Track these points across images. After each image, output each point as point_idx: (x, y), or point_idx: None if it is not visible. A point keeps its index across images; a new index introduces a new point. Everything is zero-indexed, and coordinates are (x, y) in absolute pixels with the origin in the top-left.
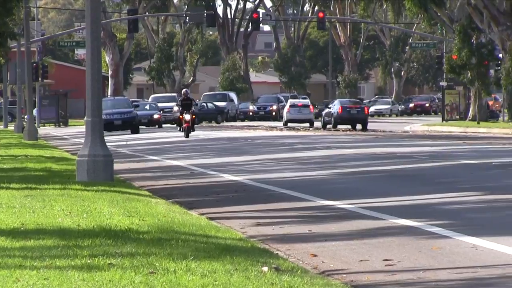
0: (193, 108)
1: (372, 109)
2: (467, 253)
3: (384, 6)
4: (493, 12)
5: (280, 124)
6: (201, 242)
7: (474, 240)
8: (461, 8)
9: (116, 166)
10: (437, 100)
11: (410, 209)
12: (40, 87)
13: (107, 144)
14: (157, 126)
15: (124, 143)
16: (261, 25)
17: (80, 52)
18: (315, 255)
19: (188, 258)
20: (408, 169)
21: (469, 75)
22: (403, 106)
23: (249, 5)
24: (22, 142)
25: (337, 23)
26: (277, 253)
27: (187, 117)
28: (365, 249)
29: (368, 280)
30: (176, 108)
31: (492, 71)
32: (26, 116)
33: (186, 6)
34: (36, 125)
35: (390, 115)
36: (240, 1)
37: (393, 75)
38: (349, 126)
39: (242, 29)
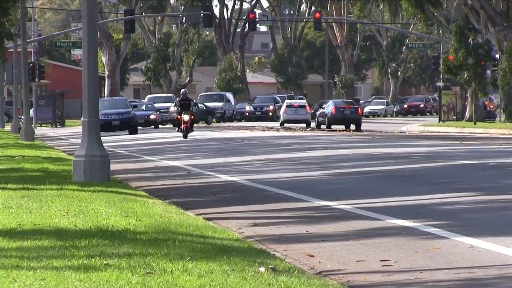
0: (191, 108)
1: (366, 109)
2: (464, 253)
3: (381, 6)
4: (489, 12)
5: (276, 124)
6: (198, 242)
7: (471, 241)
8: (458, 8)
9: (113, 167)
10: (431, 101)
11: (407, 210)
12: (37, 87)
13: (104, 144)
14: (153, 126)
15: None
16: (257, 25)
17: (77, 53)
18: (312, 256)
19: (185, 258)
20: (405, 170)
21: (465, 75)
22: (398, 107)
23: (245, 5)
24: (19, 142)
25: (333, 24)
26: (274, 254)
27: (186, 117)
28: (362, 250)
29: (365, 280)
30: (173, 109)
31: (488, 72)
32: (22, 117)
33: (182, 7)
34: (32, 125)
35: (385, 116)
36: (237, 1)
37: (389, 75)
38: (343, 127)
39: (238, 30)
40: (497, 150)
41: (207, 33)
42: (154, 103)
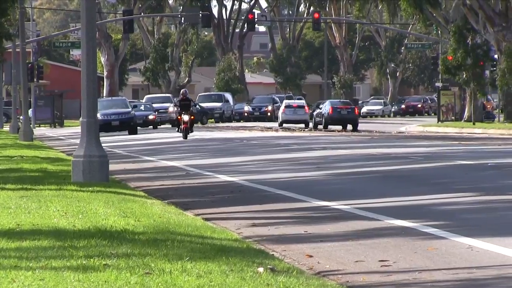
0: (192, 108)
1: (364, 110)
2: (463, 253)
3: (380, 6)
4: (488, 12)
5: (275, 124)
6: (196, 242)
7: (470, 241)
8: (457, 8)
9: (112, 167)
10: (429, 101)
11: (405, 210)
12: (36, 87)
13: (103, 144)
14: (152, 127)
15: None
16: (256, 25)
17: (76, 53)
18: (311, 256)
19: (183, 258)
20: (404, 170)
21: (464, 76)
22: (396, 107)
23: (244, 5)
24: (18, 142)
25: (332, 24)
26: (273, 254)
27: (186, 118)
28: (360, 250)
29: (364, 281)
30: (172, 109)
31: (487, 72)
32: (21, 117)
33: (181, 7)
34: (31, 125)
35: (382, 116)
36: (236, 1)
37: (388, 75)
38: (340, 127)
39: (237, 30)
40: (496, 151)
41: (206, 33)
42: (152, 103)
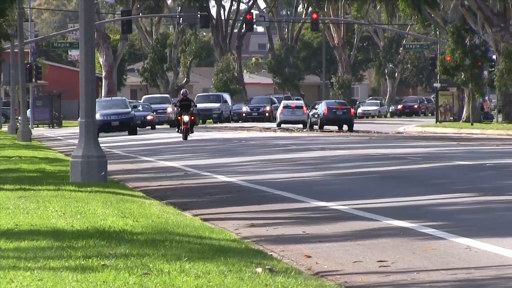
0: (192, 109)
1: (360, 110)
2: (461, 254)
3: (378, 7)
4: (486, 13)
5: (273, 125)
6: (195, 243)
7: (468, 241)
8: (455, 9)
9: (110, 167)
10: (425, 102)
11: (404, 210)
12: (34, 88)
13: (101, 145)
14: (150, 127)
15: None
16: (254, 26)
17: (74, 53)
18: (309, 256)
19: (182, 259)
20: (402, 170)
21: (462, 76)
22: (393, 107)
23: (242, 6)
24: (16, 143)
25: (330, 24)
26: (271, 254)
27: (186, 118)
28: (359, 250)
29: (362, 281)
30: (170, 109)
31: (485, 73)
32: (19, 117)
33: (179, 7)
34: (30, 126)
35: (378, 116)
36: (234, 2)
37: (386, 76)
38: (336, 127)
39: (235, 30)
40: (494, 151)
41: (204, 34)
42: (150, 103)
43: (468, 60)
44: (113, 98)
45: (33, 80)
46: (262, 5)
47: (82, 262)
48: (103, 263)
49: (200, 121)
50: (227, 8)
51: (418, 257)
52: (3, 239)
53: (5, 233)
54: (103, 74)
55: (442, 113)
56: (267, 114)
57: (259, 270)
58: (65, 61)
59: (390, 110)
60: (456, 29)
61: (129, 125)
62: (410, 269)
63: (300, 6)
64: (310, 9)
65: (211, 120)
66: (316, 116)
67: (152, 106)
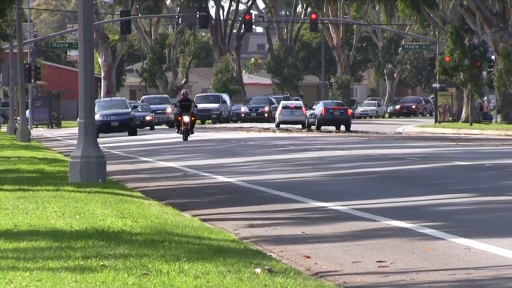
0: (192, 109)
1: (357, 110)
2: (460, 254)
3: (377, 7)
4: (485, 13)
5: (272, 125)
6: (194, 243)
7: (467, 242)
8: (454, 9)
9: (109, 168)
10: (423, 102)
11: (403, 211)
12: (33, 88)
13: (100, 145)
14: (149, 128)
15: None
16: (253, 26)
17: (73, 54)
18: (308, 257)
19: (181, 259)
20: (401, 171)
21: (461, 76)
22: (391, 108)
23: (241, 6)
24: (15, 143)
25: (329, 25)
26: (270, 255)
27: (186, 119)
28: (358, 251)
29: (361, 281)
30: (169, 110)
31: (484, 73)
32: (18, 118)
33: (178, 8)
34: (28, 126)
35: (376, 117)
36: (233, 2)
37: (385, 76)
38: (334, 127)
39: (234, 31)
40: (493, 151)
41: (203, 34)
42: (149, 104)
43: (467, 60)
44: (113, 98)
45: (32, 80)
46: (261, 5)
47: (81, 263)
48: (102, 263)
49: (199, 121)
50: (226, 9)
51: (417, 257)
52: (2, 240)
53: (4, 234)
54: (102, 74)
55: (441, 114)
56: (266, 115)
57: (258, 270)
58: (64, 62)
59: (388, 110)
60: (455, 29)
61: (129, 125)
62: (409, 270)
63: (299, 6)
64: (309, 9)
65: (210, 121)
66: (313, 116)
67: (151, 106)
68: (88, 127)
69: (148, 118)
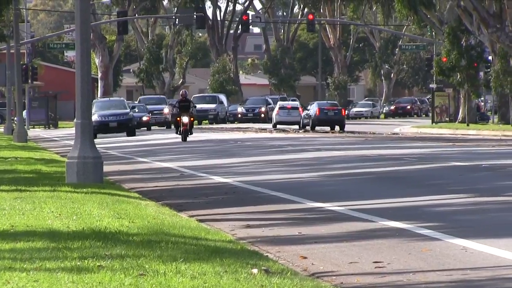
0: (191, 110)
1: (352, 111)
2: (457, 255)
3: (374, 8)
4: (482, 14)
5: (269, 126)
6: (190, 244)
7: (464, 242)
8: (451, 10)
9: (106, 168)
10: (418, 102)
11: (399, 211)
12: (30, 89)
13: (97, 146)
14: (146, 128)
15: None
16: (250, 27)
17: (70, 54)
18: (305, 257)
19: (177, 260)
20: (398, 171)
21: (458, 77)
22: (386, 108)
23: (238, 7)
24: (12, 144)
25: (326, 25)
26: (267, 255)
27: (185, 119)
28: (354, 251)
29: (358, 282)
30: (166, 110)
31: (481, 73)
32: (16, 118)
33: (175, 8)
34: (25, 127)
35: (371, 117)
36: (230, 3)
37: (382, 77)
38: (328, 128)
39: (231, 31)
40: (490, 152)
41: (200, 34)
42: (146, 104)
43: (464, 61)
44: (111, 98)
45: (29, 81)
46: (258, 6)
47: (78, 263)
48: (99, 264)
49: (196, 122)
50: (223, 9)
51: (414, 258)
52: None
53: (0, 234)
54: (99, 75)
55: (438, 114)
56: (262, 115)
57: (255, 271)
58: (61, 62)
59: (384, 111)
60: (452, 30)
61: (128, 126)
62: (406, 270)
63: (296, 7)
64: (306, 10)
65: (207, 121)
66: (308, 117)
67: (148, 107)
68: (85, 127)
69: (145, 118)
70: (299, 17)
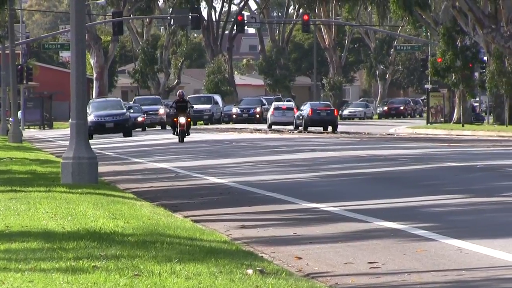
0: (188, 110)
1: (345, 112)
2: (452, 255)
3: (369, 8)
4: (477, 14)
5: (264, 126)
6: (185, 244)
7: (459, 243)
8: (446, 10)
9: (101, 169)
10: (412, 103)
11: (394, 212)
12: (25, 89)
13: (92, 146)
14: (141, 129)
15: None
16: (246, 27)
17: (65, 55)
18: (300, 258)
19: (172, 260)
20: (393, 172)
21: (453, 77)
22: (380, 109)
23: (233, 7)
24: (7, 144)
25: (321, 26)
26: (262, 256)
27: (182, 120)
28: (349, 252)
29: (353, 282)
30: (162, 111)
31: (476, 74)
32: (10, 119)
33: (170, 9)
34: (20, 127)
35: (364, 118)
36: (225, 3)
37: (378, 77)
38: (321, 128)
39: (227, 32)
40: (485, 152)
41: (195, 35)
42: (141, 105)
43: (459, 61)
44: (107, 99)
45: (24, 81)
46: (253, 6)
47: (73, 264)
48: (94, 264)
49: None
50: (218, 10)
51: (409, 258)
52: None
53: None
54: (94, 75)
55: (433, 115)
56: (257, 116)
57: (250, 271)
58: (56, 63)
59: (378, 111)
60: (447, 30)
61: (124, 126)
62: (401, 271)
63: (291, 7)
64: (301, 10)
65: (202, 122)
66: (301, 117)
67: (143, 107)
68: (80, 128)
69: (140, 119)
70: (294, 17)
